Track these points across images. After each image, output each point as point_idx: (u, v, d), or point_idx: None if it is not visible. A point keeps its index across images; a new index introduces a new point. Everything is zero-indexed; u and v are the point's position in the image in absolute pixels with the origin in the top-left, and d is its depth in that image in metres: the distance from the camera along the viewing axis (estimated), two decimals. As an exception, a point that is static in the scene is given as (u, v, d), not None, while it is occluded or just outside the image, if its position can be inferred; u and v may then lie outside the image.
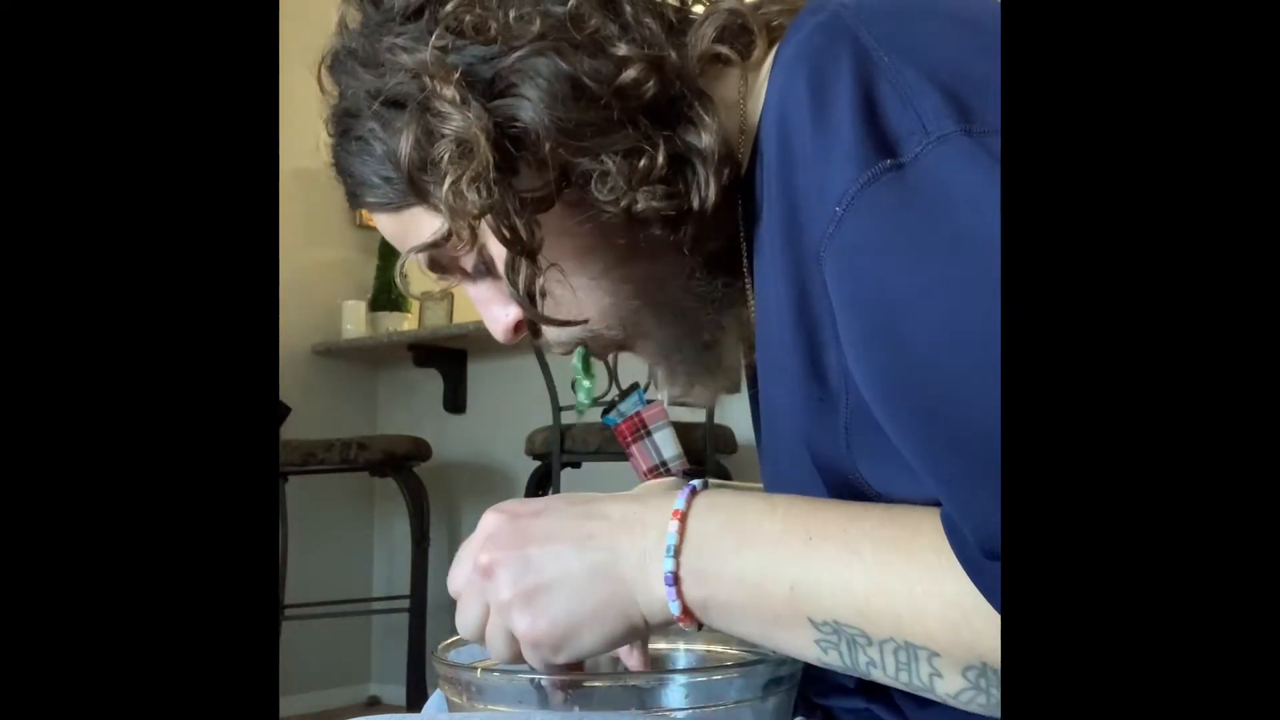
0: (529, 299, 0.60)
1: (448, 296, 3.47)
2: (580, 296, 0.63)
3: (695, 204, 0.59)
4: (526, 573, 0.52)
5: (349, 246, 3.57)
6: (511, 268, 0.59)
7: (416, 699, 2.77)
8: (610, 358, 2.46)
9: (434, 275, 0.66)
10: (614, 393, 2.24)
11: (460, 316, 3.46)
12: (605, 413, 2.21)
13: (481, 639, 0.55)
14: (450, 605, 0.56)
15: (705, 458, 2.30)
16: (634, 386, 2.21)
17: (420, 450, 2.85)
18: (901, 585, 0.48)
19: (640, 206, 0.58)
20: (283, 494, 2.82)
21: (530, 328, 0.65)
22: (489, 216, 0.57)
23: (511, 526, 0.54)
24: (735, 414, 2.60)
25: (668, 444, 2.17)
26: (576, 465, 2.51)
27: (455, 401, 3.29)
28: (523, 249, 0.58)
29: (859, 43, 0.51)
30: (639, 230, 0.59)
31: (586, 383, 0.72)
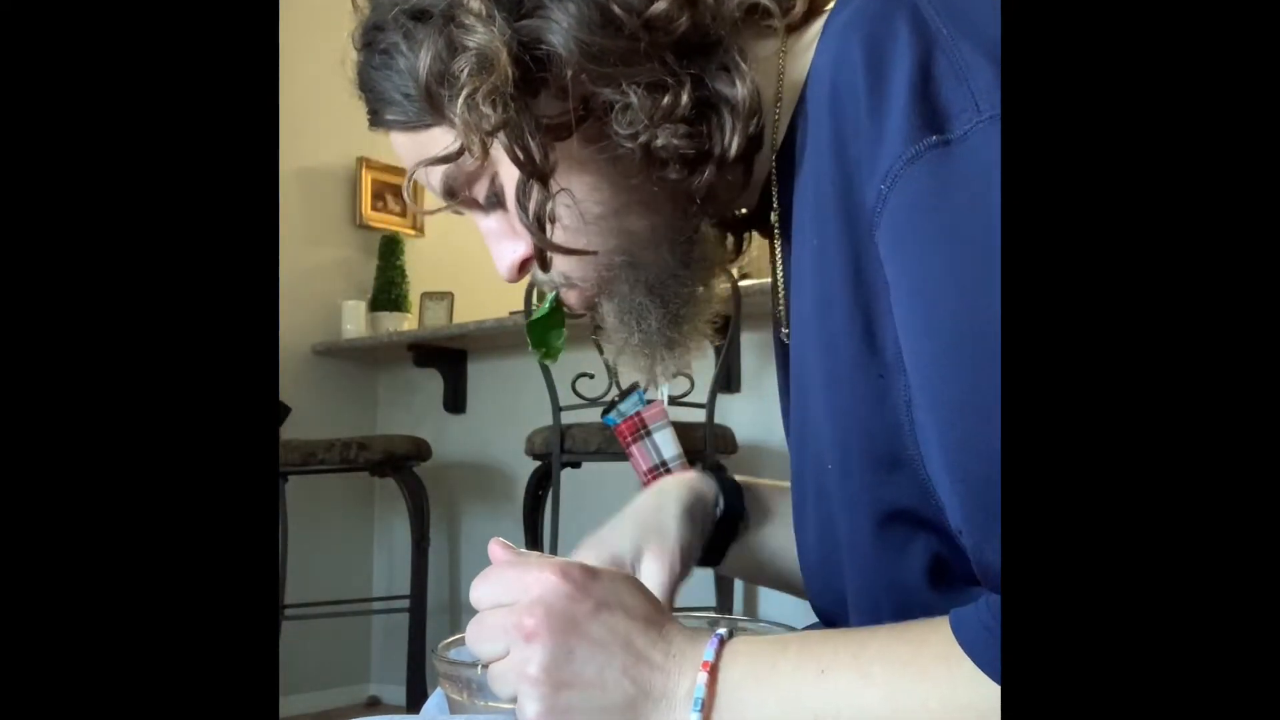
0: (538, 224, 0.59)
1: (448, 296, 3.48)
2: (588, 228, 0.62)
3: (716, 149, 0.59)
4: (564, 665, 0.51)
5: (349, 246, 3.57)
6: (523, 191, 0.59)
7: (416, 699, 2.77)
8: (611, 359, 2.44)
9: (446, 202, 0.65)
10: (614, 393, 2.24)
11: (460, 316, 3.46)
12: (605, 413, 2.21)
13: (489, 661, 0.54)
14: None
15: (705, 458, 2.30)
16: (634, 386, 2.21)
17: (420, 450, 2.85)
18: (916, 702, 0.47)
19: (659, 143, 0.57)
20: (283, 494, 2.82)
21: (539, 259, 0.64)
22: (503, 134, 0.56)
23: (569, 606, 0.52)
24: (735, 414, 2.60)
25: (668, 444, 2.17)
26: (576, 465, 2.51)
27: (455, 401, 3.29)
28: (535, 171, 0.58)
29: (918, 12, 0.50)
30: (654, 171, 0.59)
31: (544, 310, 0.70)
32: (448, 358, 3.25)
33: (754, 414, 2.62)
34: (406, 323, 3.44)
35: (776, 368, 0.75)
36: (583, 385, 2.31)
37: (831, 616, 0.65)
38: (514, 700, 0.52)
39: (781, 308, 0.67)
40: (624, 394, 2.21)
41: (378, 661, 3.46)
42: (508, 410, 3.11)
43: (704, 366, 2.47)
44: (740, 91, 0.58)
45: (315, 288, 3.42)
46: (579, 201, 0.60)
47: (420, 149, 0.62)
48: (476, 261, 3.96)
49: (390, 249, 3.50)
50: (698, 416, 2.32)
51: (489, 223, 0.66)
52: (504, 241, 0.66)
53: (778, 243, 0.65)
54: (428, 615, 2.87)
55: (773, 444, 2.60)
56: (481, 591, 0.54)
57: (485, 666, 0.54)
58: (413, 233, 3.73)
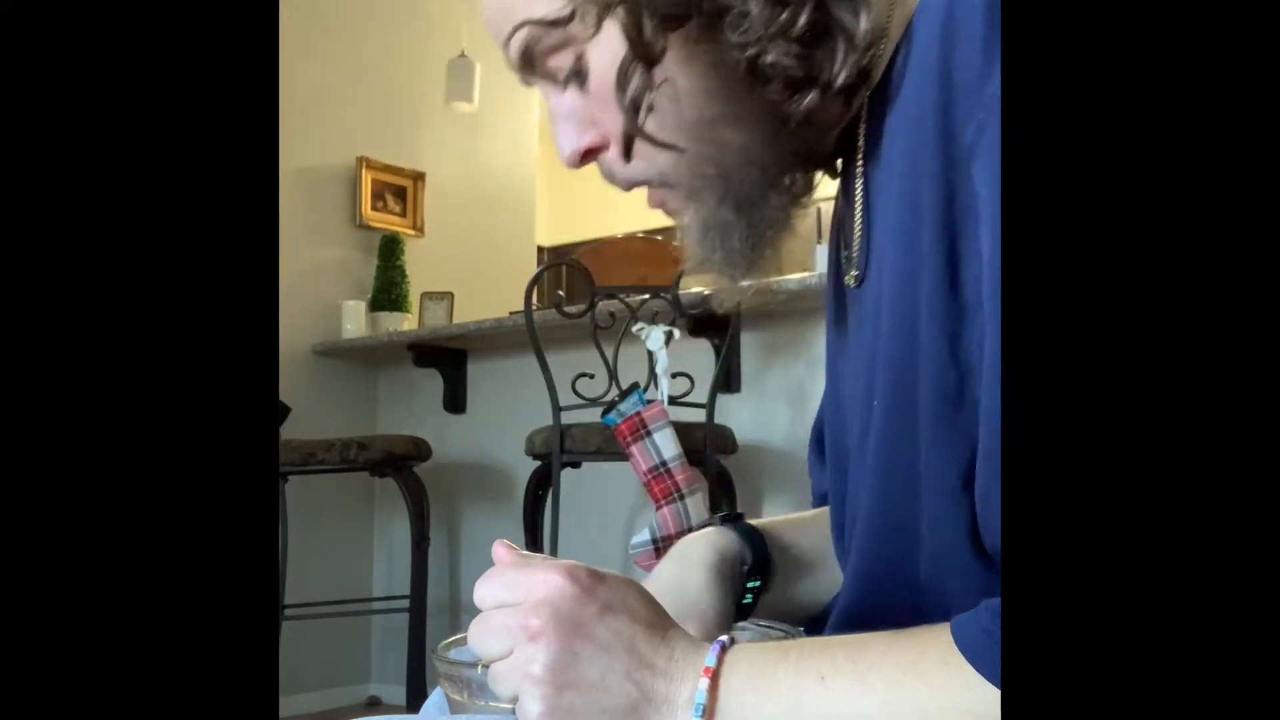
0: (634, 108, 0.58)
1: (448, 296, 3.48)
2: (682, 128, 0.60)
3: (823, 76, 0.58)
4: (568, 667, 0.51)
5: (349, 246, 3.57)
6: (624, 73, 0.58)
7: (416, 699, 2.77)
8: (610, 358, 2.42)
9: (519, 74, 0.63)
10: (614, 393, 2.24)
11: (460, 316, 3.46)
12: (605, 413, 2.21)
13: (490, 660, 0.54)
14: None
15: (705, 458, 2.30)
16: (634, 386, 2.21)
17: (420, 450, 2.85)
18: (915, 707, 0.47)
19: (769, 59, 0.57)
20: (283, 494, 2.82)
21: (624, 149, 0.61)
22: (623, 7, 0.56)
23: (575, 608, 0.52)
24: (735, 414, 2.60)
25: (667, 444, 2.17)
26: (576, 465, 2.51)
27: (455, 401, 3.29)
28: (644, 53, 0.57)
29: None
30: (756, 86, 0.58)
31: None
32: (448, 358, 3.25)
33: (754, 414, 2.62)
34: (406, 323, 3.44)
35: (831, 320, 0.72)
36: (583, 385, 2.31)
37: (877, 587, 0.62)
38: (515, 700, 0.52)
39: (856, 249, 0.64)
40: (624, 394, 2.21)
41: (378, 661, 3.46)
42: (508, 410, 3.11)
43: (704, 366, 2.48)
44: (862, 24, 0.57)
45: (315, 288, 3.42)
46: (677, 98, 0.58)
47: (513, 7, 0.61)
48: (476, 261, 3.97)
49: (390, 249, 3.50)
50: (698, 416, 2.32)
51: (562, 101, 0.63)
52: (570, 124, 0.63)
53: (859, 181, 0.64)
54: (428, 615, 2.86)
55: (773, 444, 2.60)
56: (486, 591, 0.54)
57: (486, 666, 0.54)
58: (413, 233, 3.73)
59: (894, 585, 0.60)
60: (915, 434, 0.56)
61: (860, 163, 0.63)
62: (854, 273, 0.65)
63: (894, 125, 0.59)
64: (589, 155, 0.64)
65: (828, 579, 0.78)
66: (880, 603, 0.61)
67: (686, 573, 0.71)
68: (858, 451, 0.63)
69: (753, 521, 0.78)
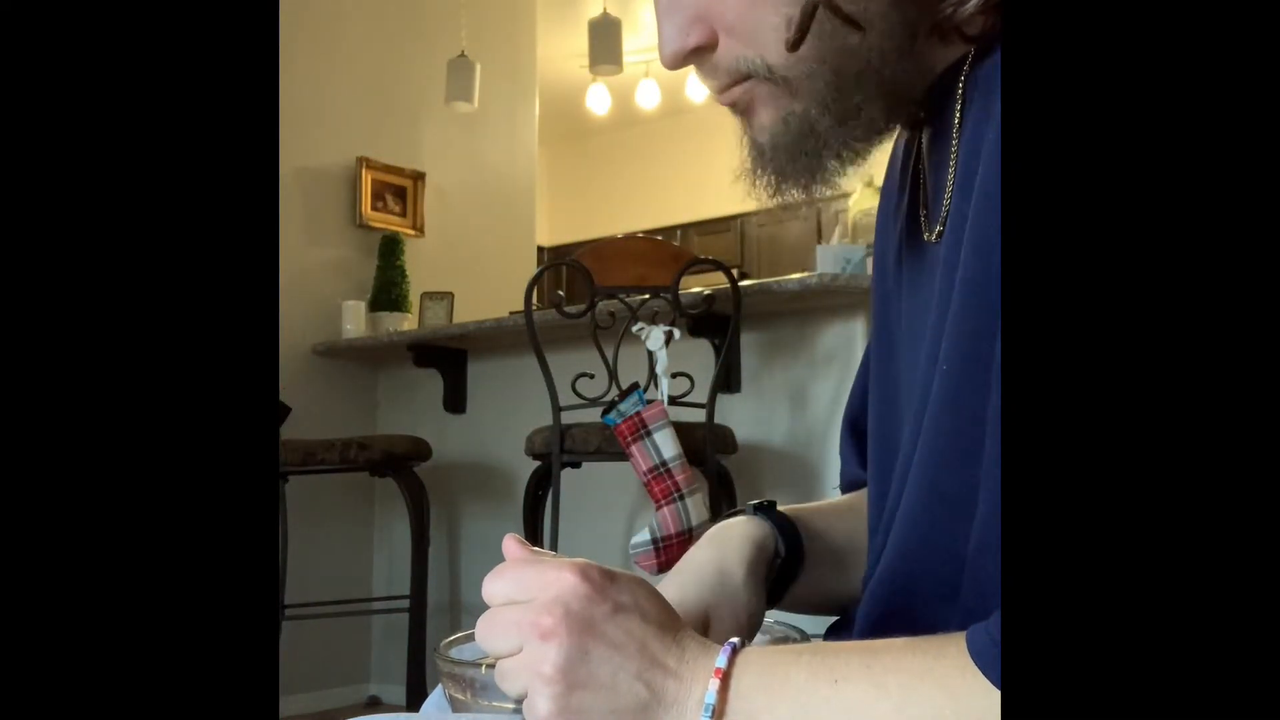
0: None
1: (448, 296, 3.48)
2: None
3: None
4: (579, 666, 0.51)
5: (349, 246, 3.57)
6: None
7: (416, 699, 2.77)
8: (610, 358, 2.40)
9: None
10: (614, 393, 2.24)
11: (460, 316, 3.45)
12: (605, 413, 2.21)
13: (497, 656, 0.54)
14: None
15: (705, 458, 2.30)
16: (634, 386, 2.21)
17: (420, 450, 2.85)
18: (929, 712, 0.47)
19: None
20: (283, 494, 2.82)
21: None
22: None
23: (588, 607, 0.52)
24: (735, 414, 2.60)
25: (667, 444, 2.17)
26: (576, 465, 2.51)
27: (455, 401, 3.29)
28: None
29: None
30: None
31: None
32: (448, 358, 3.25)
33: (754, 414, 2.62)
34: (406, 323, 3.44)
35: (887, 287, 0.71)
36: (583, 385, 2.30)
37: (918, 558, 0.61)
38: (521, 698, 0.52)
39: (946, 203, 0.62)
40: (624, 394, 2.21)
41: (378, 661, 3.46)
42: (508, 410, 3.11)
43: (704, 366, 2.47)
44: None
45: (315, 288, 3.42)
46: None
47: None
48: (477, 261, 3.97)
49: (390, 249, 3.50)
50: (698, 416, 2.32)
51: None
52: (678, 19, 0.60)
53: (954, 137, 0.62)
54: (428, 615, 2.87)
55: (773, 444, 2.60)
56: (497, 587, 0.54)
57: (492, 665, 0.53)
58: (413, 233, 3.73)
59: (936, 557, 0.59)
60: (984, 392, 0.54)
61: (958, 115, 0.61)
62: (937, 229, 0.63)
63: (996, 80, 0.56)
64: (693, 55, 0.61)
65: (861, 570, 0.77)
66: (918, 575, 0.60)
67: (724, 563, 0.70)
68: (914, 416, 0.62)
69: (786, 509, 0.77)
